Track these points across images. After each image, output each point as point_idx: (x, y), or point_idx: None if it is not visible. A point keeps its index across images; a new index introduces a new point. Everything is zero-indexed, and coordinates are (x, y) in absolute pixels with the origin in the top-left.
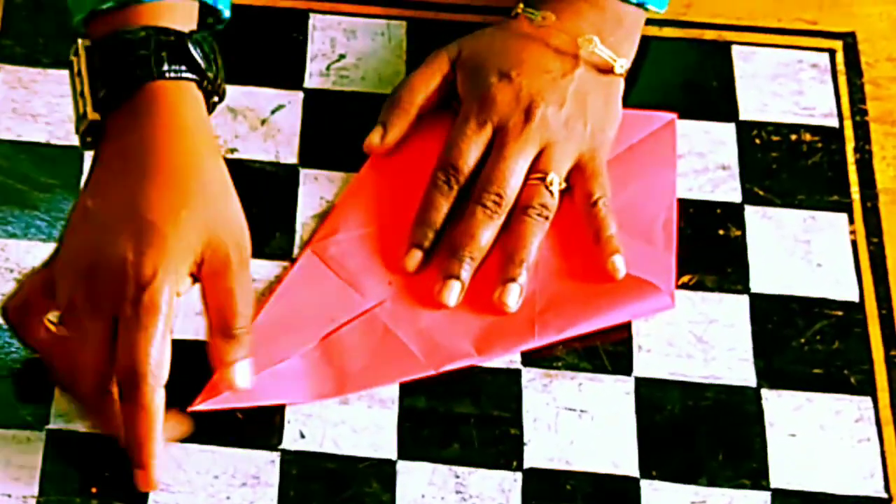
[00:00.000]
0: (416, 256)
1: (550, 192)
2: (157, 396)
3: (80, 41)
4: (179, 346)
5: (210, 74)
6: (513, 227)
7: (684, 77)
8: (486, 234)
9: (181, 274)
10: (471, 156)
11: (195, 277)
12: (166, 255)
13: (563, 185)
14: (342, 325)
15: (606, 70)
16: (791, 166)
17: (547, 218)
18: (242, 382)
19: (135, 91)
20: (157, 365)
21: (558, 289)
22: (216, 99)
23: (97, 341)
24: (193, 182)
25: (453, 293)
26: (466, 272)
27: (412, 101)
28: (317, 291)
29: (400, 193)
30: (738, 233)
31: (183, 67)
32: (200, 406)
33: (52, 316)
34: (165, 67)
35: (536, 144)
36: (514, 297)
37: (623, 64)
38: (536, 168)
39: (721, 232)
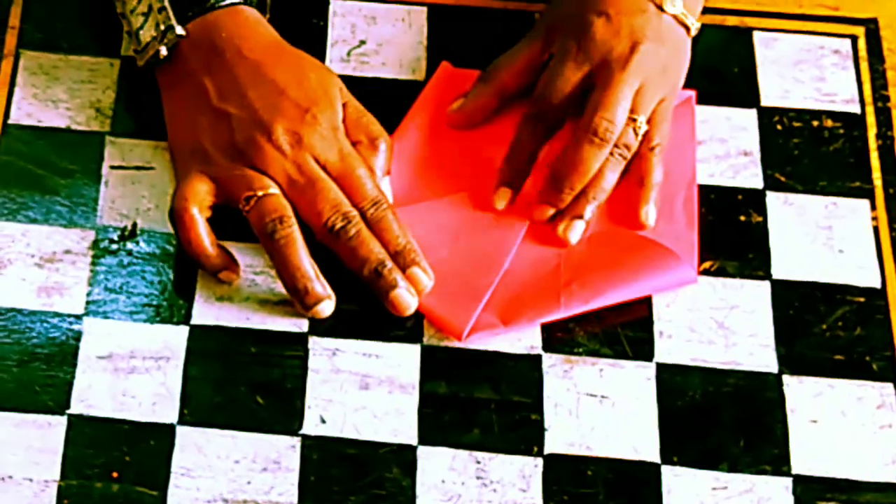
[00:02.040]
0: (506, 195)
1: (636, 132)
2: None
3: None
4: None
5: None
6: (590, 162)
7: (706, 63)
8: (596, 164)
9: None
10: (567, 94)
11: None
12: (330, 107)
13: (646, 126)
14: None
15: (685, 28)
16: (813, 152)
17: (626, 159)
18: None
19: (212, 10)
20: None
21: (584, 259)
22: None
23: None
24: (283, 61)
25: (576, 233)
26: (587, 209)
27: (497, 76)
28: None
29: (420, 182)
30: (760, 219)
31: None
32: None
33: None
34: None
35: (639, 78)
36: (577, 233)
37: (696, 24)
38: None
39: (742, 218)
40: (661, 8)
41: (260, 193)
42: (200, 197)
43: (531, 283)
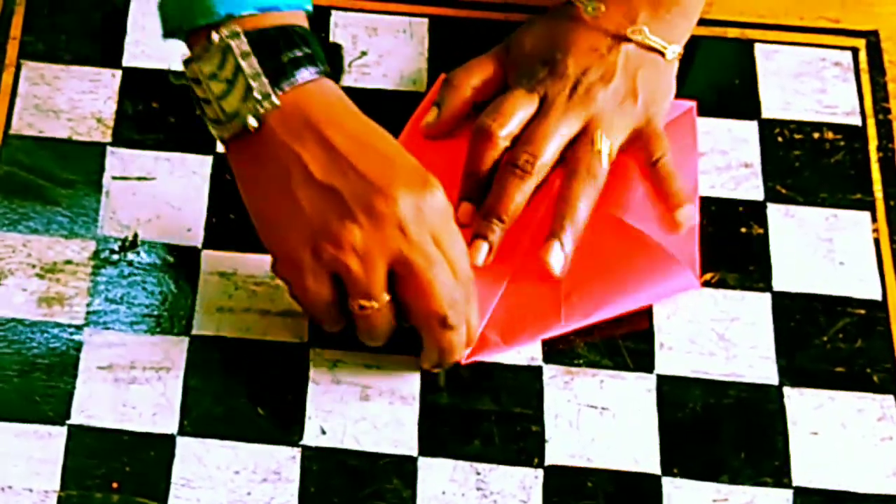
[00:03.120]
0: (467, 209)
1: (599, 158)
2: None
3: (232, 26)
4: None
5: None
6: (559, 190)
7: (707, 75)
8: (518, 195)
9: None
10: (511, 120)
11: None
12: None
13: (613, 156)
14: None
15: (659, 53)
16: (814, 164)
17: (595, 179)
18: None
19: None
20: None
21: (583, 270)
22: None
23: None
24: (379, 135)
25: (480, 254)
26: (494, 234)
27: (466, 81)
28: None
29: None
30: (761, 231)
31: (315, 66)
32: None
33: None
34: (306, 69)
35: (581, 117)
36: (554, 255)
37: (675, 50)
38: (584, 135)
39: (743, 230)
40: (623, 38)
41: (375, 306)
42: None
43: (531, 297)
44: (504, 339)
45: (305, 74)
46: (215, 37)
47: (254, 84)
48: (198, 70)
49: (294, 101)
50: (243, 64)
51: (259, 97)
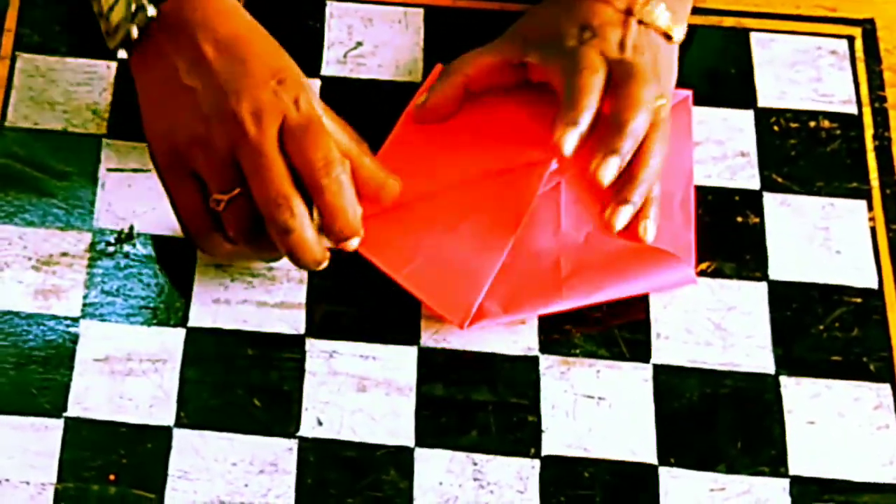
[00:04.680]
0: (575, 135)
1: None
2: (347, 173)
3: None
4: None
5: None
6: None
7: (703, 64)
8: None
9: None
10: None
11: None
12: (295, 78)
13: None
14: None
15: (665, 36)
16: (810, 153)
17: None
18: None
19: None
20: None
21: (583, 257)
22: None
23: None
24: (258, 37)
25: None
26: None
27: (460, 69)
28: None
29: (415, 185)
30: (757, 220)
31: None
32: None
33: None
34: None
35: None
36: (624, 219)
37: (681, 31)
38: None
39: (739, 219)
40: (639, 21)
41: (225, 199)
42: (196, 204)
43: (532, 277)
44: (504, 308)
45: None
46: None
47: (123, 4)
48: None
49: (175, 9)
50: None
51: (134, 8)
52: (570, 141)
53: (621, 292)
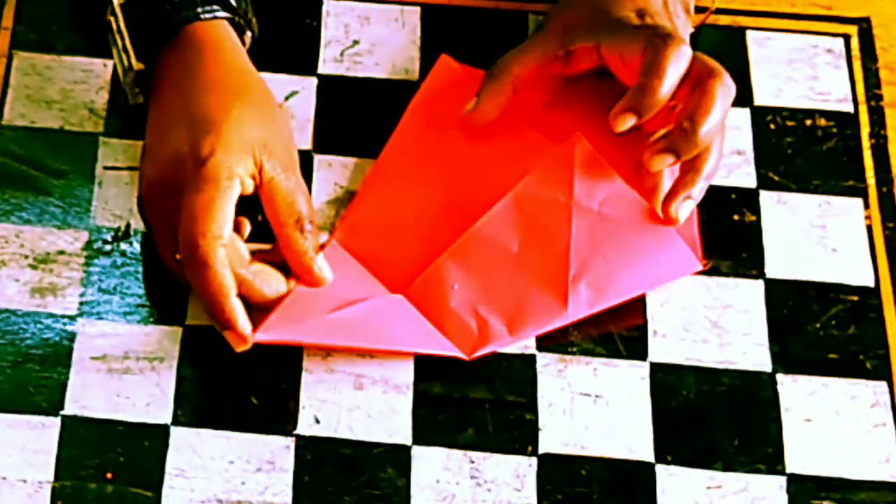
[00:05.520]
0: (630, 121)
1: None
2: (218, 252)
3: (114, 0)
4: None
5: (241, 10)
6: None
7: None
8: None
9: (242, 160)
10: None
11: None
12: (223, 138)
13: None
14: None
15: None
16: (806, 151)
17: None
18: (328, 275)
19: (174, 35)
20: (217, 226)
21: (588, 254)
22: (249, 34)
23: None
24: (243, 91)
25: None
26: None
27: (506, 70)
28: (340, 277)
29: (422, 181)
30: (753, 218)
31: (216, 7)
32: (264, 336)
33: None
34: (199, 9)
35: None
36: (686, 212)
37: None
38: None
39: (736, 217)
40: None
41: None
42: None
43: (536, 288)
44: (510, 330)
45: (177, 30)
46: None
47: (122, 56)
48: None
49: (174, 48)
50: (117, 38)
51: (126, 66)
52: (627, 123)
53: (626, 293)
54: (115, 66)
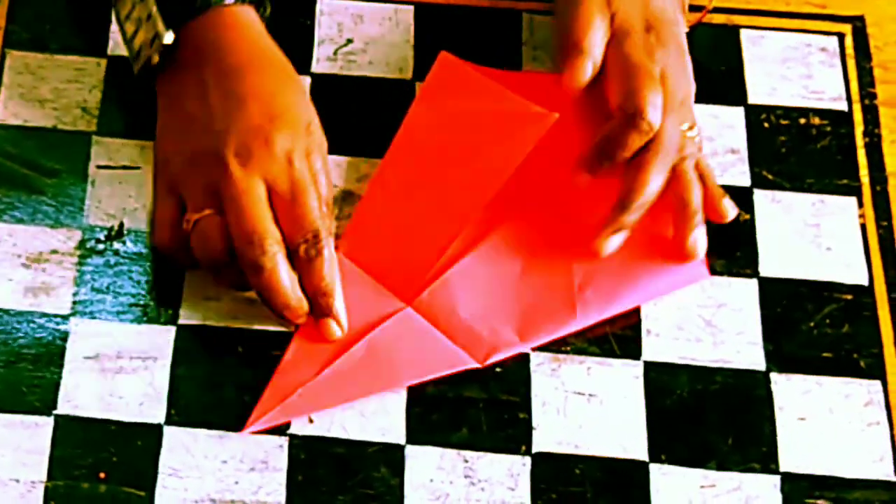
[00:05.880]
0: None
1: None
2: (331, 245)
3: None
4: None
5: None
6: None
7: (693, 61)
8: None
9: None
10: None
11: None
12: (290, 125)
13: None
14: (377, 323)
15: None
16: (800, 150)
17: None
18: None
19: (201, 13)
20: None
21: (596, 265)
22: (263, 10)
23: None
24: (283, 71)
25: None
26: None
27: (589, 42)
28: (349, 293)
29: (428, 188)
30: (747, 217)
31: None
32: (256, 426)
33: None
34: None
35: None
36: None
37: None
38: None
39: None
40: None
41: (195, 219)
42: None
43: (546, 294)
44: (521, 336)
45: (204, 6)
46: None
47: (148, 24)
48: (116, 12)
49: (193, 34)
50: (139, 7)
51: (152, 36)
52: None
53: (636, 298)
54: (124, 34)
